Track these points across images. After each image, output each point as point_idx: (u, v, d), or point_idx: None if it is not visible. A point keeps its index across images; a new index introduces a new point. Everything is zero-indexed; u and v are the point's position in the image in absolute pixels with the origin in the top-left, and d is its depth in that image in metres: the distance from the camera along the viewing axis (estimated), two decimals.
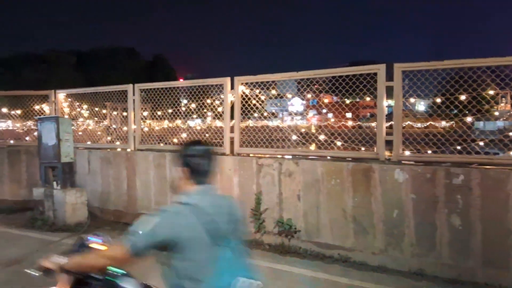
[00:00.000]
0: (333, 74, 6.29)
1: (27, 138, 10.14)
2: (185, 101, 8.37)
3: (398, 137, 5.67)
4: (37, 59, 57.58)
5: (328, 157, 6.19)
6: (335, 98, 7.24)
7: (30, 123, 10.51)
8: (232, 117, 7.07)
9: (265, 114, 7.36)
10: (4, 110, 10.40)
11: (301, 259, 5.99)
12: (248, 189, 6.71)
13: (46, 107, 9.66)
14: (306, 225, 6.21)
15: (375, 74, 5.84)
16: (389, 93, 5.79)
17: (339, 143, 6.31)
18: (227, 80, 7.10)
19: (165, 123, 9.28)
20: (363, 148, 6.17)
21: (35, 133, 9.25)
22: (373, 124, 6.34)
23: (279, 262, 5.83)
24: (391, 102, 5.82)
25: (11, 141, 10.17)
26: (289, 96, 7.01)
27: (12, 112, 10.24)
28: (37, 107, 9.72)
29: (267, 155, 6.70)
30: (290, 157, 6.47)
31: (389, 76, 5.74)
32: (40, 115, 9.20)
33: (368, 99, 6.42)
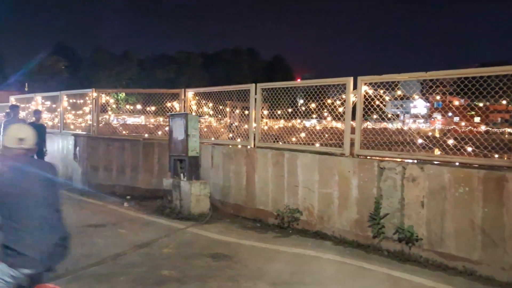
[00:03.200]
0: (465, 75, 5.86)
1: (159, 133, 11.07)
2: (301, 101, 8.46)
3: None
4: (169, 59, 62.18)
5: (457, 163, 5.84)
6: (462, 101, 6.79)
7: (160, 118, 11.45)
8: (352, 118, 6.97)
9: (389, 115, 7.09)
10: (139, 106, 11.49)
11: (422, 268, 5.74)
12: (367, 193, 6.59)
13: (176, 105, 10.45)
14: (428, 233, 5.93)
15: None
16: None
17: (466, 149, 5.92)
18: (350, 80, 6.99)
19: (281, 122, 9.49)
20: (496, 156, 5.72)
21: (166, 128, 10.06)
22: (508, 130, 5.85)
23: (398, 270, 5.66)
24: None
25: (146, 135, 11.20)
26: (416, 97, 6.70)
27: (147, 109, 11.25)
28: (168, 105, 10.55)
29: (387, 158, 6.52)
30: (413, 161, 6.22)
31: None
32: (171, 112, 9.99)
33: (503, 102, 5.93)
